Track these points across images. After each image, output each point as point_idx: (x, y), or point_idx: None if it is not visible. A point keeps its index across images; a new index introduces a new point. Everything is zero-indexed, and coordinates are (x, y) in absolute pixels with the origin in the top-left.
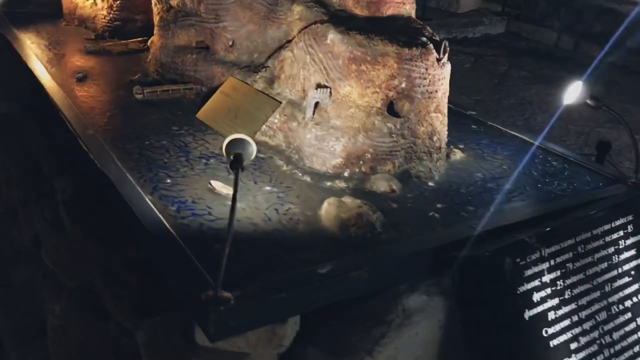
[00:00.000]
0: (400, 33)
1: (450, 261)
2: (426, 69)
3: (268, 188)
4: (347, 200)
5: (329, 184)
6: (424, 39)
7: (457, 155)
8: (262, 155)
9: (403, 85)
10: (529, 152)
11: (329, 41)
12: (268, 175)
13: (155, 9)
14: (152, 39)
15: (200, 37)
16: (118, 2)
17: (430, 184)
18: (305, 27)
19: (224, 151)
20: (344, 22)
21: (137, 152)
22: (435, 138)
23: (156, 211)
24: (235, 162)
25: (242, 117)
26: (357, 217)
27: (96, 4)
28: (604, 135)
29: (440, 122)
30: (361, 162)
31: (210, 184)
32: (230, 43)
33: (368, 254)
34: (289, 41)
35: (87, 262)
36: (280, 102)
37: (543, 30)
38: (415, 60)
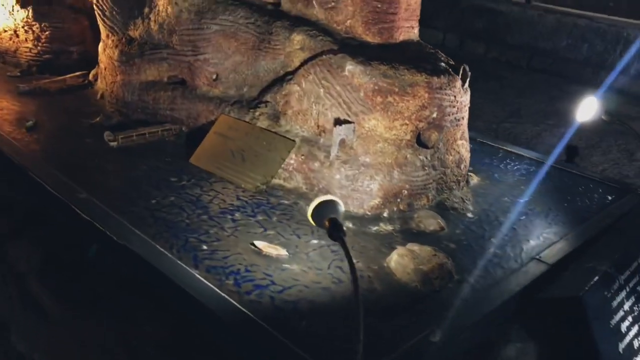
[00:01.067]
0: (420, 60)
1: (542, 304)
2: (454, 97)
3: (315, 241)
4: (415, 248)
5: (374, 228)
6: (444, 64)
7: (474, 179)
8: (285, 201)
9: (434, 115)
10: (537, 170)
11: (346, 73)
12: (306, 225)
13: (109, 42)
14: (94, 72)
15: (174, 72)
16: (47, 32)
17: (469, 215)
18: (312, 58)
19: (310, 218)
20: (358, 51)
21: (149, 215)
22: (462, 166)
23: (215, 289)
24: (336, 229)
25: (251, 161)
26: (439, 269)
27: (17, 36)
28: (512, 130)
29: (465, 149)
30: (399, 200)
31: (254, 245)
32: (214, 77)
33: (462, 310)
34: (291, 72)
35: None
36: (294, 141)
37: (430, 31)
38: (445, 89)
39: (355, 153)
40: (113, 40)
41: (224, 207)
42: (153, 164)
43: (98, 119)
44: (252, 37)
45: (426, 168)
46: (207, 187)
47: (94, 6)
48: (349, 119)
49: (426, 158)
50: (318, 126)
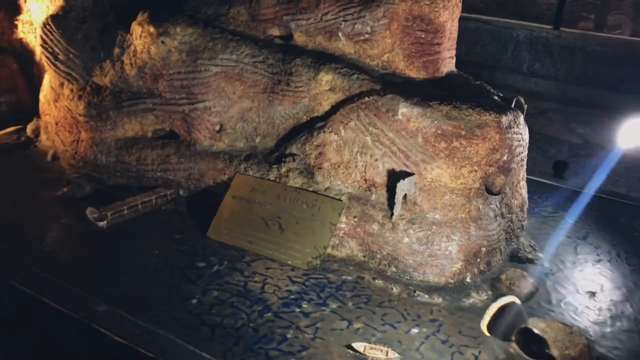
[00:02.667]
0: (475, 95)
1: None
2: (521, 134)
3: (415, 330)
4: (541, 324)
5: (469, 301)
6: (499, 99)
7: None
8: (348, 277)
9: (505, 157)
10: (574, 201)
11: (400, 116)
12: (392, 308)
13: (64, 91)
14: (32, 126)
15: (162, 125)
16: None
17: (546, 265)
18: (349, 101)
19: (485, 329)
20: (406, 89)
21: (199, 322)
22: (525, 208)
23: None
24: (542, 347)
25: (292, 230)
26: (586, 351)
27: None
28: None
29: (525, 190)
30: (478, 260)
31: (353, 349)
32: (218, 127)
33: None
34: (321, 118)
35: None
36: (343, 201)
37: None
38: (513, 127)
39: (421, 210)
40: (72, 90)
41: (283, 296)
42: (164, 246)
43: (65, 189)
44: (262, 78)
45: (497, 218)
46: (247, 269)
47: (41, 48)
48: (408, 170)
49: (496, 206)
50: (366, 180)
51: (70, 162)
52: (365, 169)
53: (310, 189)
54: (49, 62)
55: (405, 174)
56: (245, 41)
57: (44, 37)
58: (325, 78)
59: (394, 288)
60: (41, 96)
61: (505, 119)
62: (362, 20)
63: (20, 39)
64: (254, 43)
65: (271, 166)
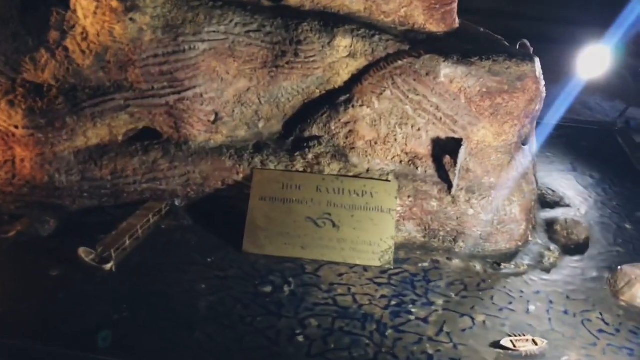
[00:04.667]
0: (498, 45)
1: None
2: (545, 84)
3: (532, 307)
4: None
5: (549, 261)
6: (509, 45)
7: None
8: (424, 264)
9: (538, 107)
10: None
11: (442, 78)
12: (492, 289)
13: None
14: None
15: (138, 123)
16: None
17: (569, 203)
18: (375, 66)
19: None
20: (437, 47)
21: None
22: (535, 154)
23: None
24: None
25: (348, 224)
26: None
27: None
28: None
29: (534, 136)
30: (532, 216)
31: (502, 346)
32: (212, 118)
33: None
34: (344, 90)
35: None
36: (393, 182)
37: None
38: (542, 75)
39: (475, 176)
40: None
41: (383, 304)
42: (204, 276)
43: (19, 227)
44: (260, 50)
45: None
46: (320, 282)
47: None
48: (455, 136)
49: (529, 157)
50: (407, 153)
51: (2, 189)
52: (406, 141)
53: (351, 173)
54: None
55: (453, 141)
56: (231, 7)
57: None
58: (343, 43)
59: (476, 265)
60: None
61: (538, 68)
62: None
63: None
64: (242, 9)
65: (293, 154)
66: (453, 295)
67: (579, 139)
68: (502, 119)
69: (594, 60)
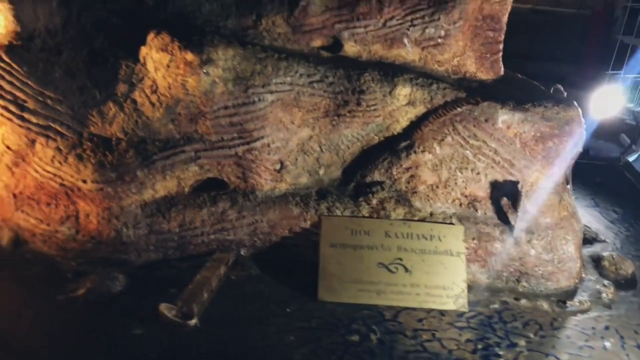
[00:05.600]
0: (541, 92)
1: None
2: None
3: (607, 344)
4: None
5: (607, 297)
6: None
7: None
8: (495, 306)
9: (579, 148)
10: None
11: (500, 124)
12: (565, 327)
13: (40, 152)
14: None
15: (206, 175)
16: None
17: (604, 239)
18: (435, 113)
19: None
20: (492, 94)
21: None
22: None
23: None
24: None
25: (419, 269)
26: None
27: None
28: None
29: None
30: (582, 253)
31: None
32: (278, 166)
33: None
34: (403, 137)
35: None
36: (459, 225)
37: None
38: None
39: (532, 216)
40: (58, 148)
41: (470, 349)
42: (289, 327)
43: (89, 284)
44: (323, 100)
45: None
46: (403, 329)
47: None
48: (512, 179)
49: (573, 197)
50: (466, 196)
51: (64, 246)
52: (466, 184)
53: (416, 218)
54: (7, 114)
55: (510, 183)
56: (295, 58)
57: None
58: (403, 92)
59: (543, 304)
60: None
61: (581, 112)
62: (434, 23)
63: None
64: (305, 60)
65: (357, 200)
66: (532, 335)
67: (592, 175)
68: (552, 161)
69: (607, 100)
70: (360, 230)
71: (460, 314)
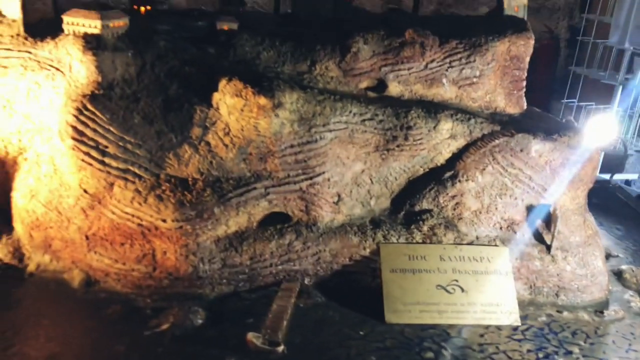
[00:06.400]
0: (558, 122)
1: None
2: None
3: None
4: None
5: (637, 305)
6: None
7: None
8: (542, 318)
9: (597, 172)
10: None
11: (533, 153)
12: (609, 335)
13: (118, 194)
14: (4, 246)
15: (273, 209)
16: None
17: (620, 254)
18: (474, 145)
19: None
20: (524, 126)
21: None
22: None
23: None
24: None
25: (474, 288)
26: None
27: None
28: None
29: None
30: (607, 267)
31: None
32: (336, 199)
33: None
34: (446, 168)
35: None
36: (503, 246)
37: None
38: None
39: (564, 236)
40: (137, 190)
41: (534, 359)
42: (367, 349)
43: (171, 320)
44: (373, 136)
45: None
46: (471, 345)
47: (75, 143)
48: (545, 202)
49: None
50: (505, 220)
51: (140, 283)
52: (505, 209)
53: (464, 242)
54: (88, 159)
55: (544, 207)
56: (348, 99)
57: (80, 127)
58: (446, 126)
59: (583, 315)
60: (27, 204)
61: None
62: (471, 65)
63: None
64: (356, 100)
65: (409, 227)
66: (582, 343)
67: (589, 197)
68: (576, 185)
69: (602, 128)
70: (417, 255)
71: (515, 328)
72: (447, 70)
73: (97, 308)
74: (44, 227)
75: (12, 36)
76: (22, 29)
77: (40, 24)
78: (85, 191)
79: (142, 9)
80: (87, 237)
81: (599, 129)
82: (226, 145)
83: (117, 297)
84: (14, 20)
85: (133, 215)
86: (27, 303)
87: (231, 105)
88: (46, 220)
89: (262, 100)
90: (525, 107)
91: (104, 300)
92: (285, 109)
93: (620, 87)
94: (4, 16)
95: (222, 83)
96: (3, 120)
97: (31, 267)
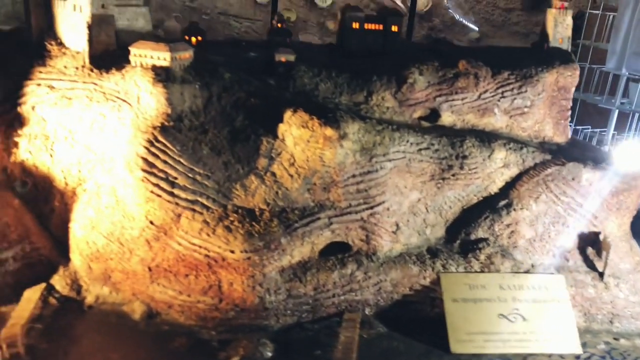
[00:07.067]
0: (598, 149)
1: None
2: None
3: None
4: None
5: None
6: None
7: None
8: (601, 346)
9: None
10: None
11: (584, 182)
12: None
13: (189, 225)
14: (62, 278)
15: (335, 239)
16: None
17: None
18: (526, 174)
19: None
20: (571, 155)
21: None
22: None
23: None
24: None
25: (535, 317)
26: None
27: None
28: None
29: None
30: None
31: None
32: (395, 228)
33: None
34: (500, 197)
35: None
36: (560, 275)
37: None
38: None
39: (615, 263)
40: (205, 221)
41: None
42: None
43: (242, 352)
44: (429, 165)
45: None
46: None
47: (145, 175)
48: (595, 230)
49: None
50: (558, 248)
51: (205, 315)
52: (558, 237)
53: (521, 270)
54: (157, 191)
55: (594, 234)
56: (405, 129)
57: (150, 159)
58: (500, 155)
59: (638, 341)
60: (87, 235)
61: None
62: (522, 95)
63: (22, 162)
64: (412, 130)
65: (466, 256)
66: None
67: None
68: (623, 212)
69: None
70: (477, 284)
71: (577, 356)
72: (499, 100)
73: (162, 341)
74: (104, 258)
75: (76, 68)
76: (87, 60)
77: (104, 56)
78: (152, 223)
79: (194, 39)
80: (149, 269)
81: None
82: (291, 176)
83: (180, 329)
84: (77, 52)
85: (200, 247)
86: (91, 336)
87: (297, 136)
88: (107, 251)
89: (329, 131)
90: (570, 135)
91: (168, 333)
92: (349, 139)
93: (617, 111)
94: (67, 48)
95: (288, 114)
96: (64, 151)
97: (90, 300)
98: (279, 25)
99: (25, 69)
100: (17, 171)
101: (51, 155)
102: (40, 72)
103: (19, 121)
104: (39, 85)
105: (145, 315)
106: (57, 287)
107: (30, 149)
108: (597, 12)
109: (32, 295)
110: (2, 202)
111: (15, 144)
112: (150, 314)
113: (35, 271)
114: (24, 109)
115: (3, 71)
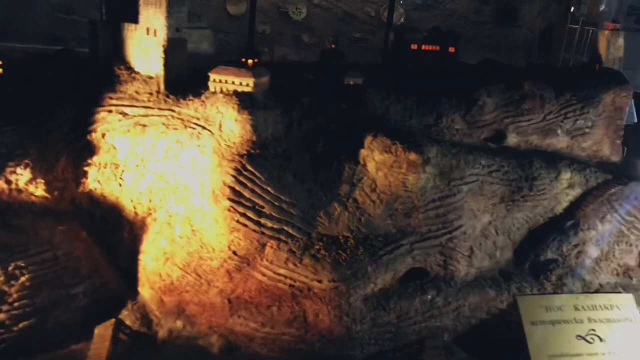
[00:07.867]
0: None
1: None
2: None
3: None
4: None
5: None
6: None
7: None
8: None
9: None
10: None
11: None
12: None
13: (274, 255)
14: (131, 313)
15: (415, 265)
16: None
17: None
18: (590, 195)
19: None
20: (630, 173)
21: None
22: None
23: None
24: None
25: (610, 336)
26: None
27: None
28: None
29: None
30: None
31: None
32: (469, 252)
33: None
34: (565, 217)
35: None
36: (628, 294)
37: None
38: None
39: None
40: (290, 250)
41: None
42: None
43: None
44: (499, 187)
45: None
46: None
47: (231, 204)
48: None
49: None
50: (621, 266)
51: (289, 347)
52: (621, 256)
53: (591, 290)
54: (244, 220)
55: None
56: (476, 151)
57: (238, 188)
58: (566, 176)
59: None
60: (160, 267)
61: None
62: (584, 116)
63: (90, 192)
64: (483, 152)
65: (538, 278)
66: None
67: None
68: None
69: None
70: (553, 306)
71: None
72: (562, 121)
73: None
74: (179, 291)
75: (149, 93)
76: (162, 86)
77: (177, 81)
78: (235, 253)
79: (250, 61)
80: (229, 301)
81: None
82: (373, 202)
83: None
84: (149, 77)
85: (286, 277)
86: None
87: (380, 161)
88: (182, 283)
89: (413, 156)
90: (623, 154)
91: None
92: (430, 163)
93: None
94: (137, 72)
95: (368, 139)
96: (135, 180)
97: (162, 334)
98: (332, 46)
99: (93, 94)
100: (85, 202)
101: (120, 185)
102: (111, 97)
103: (89, 149)
104: (109, 112)
105: (224, 348)
106: (127, 322)
107: (99, 178)
108: (576, 26)
109: (103, 332)
110: (71, 235)
111: (85, 174)
112: (230, 348)
113: (104, 306)
114: (94, 137)
115: (71, 97)
